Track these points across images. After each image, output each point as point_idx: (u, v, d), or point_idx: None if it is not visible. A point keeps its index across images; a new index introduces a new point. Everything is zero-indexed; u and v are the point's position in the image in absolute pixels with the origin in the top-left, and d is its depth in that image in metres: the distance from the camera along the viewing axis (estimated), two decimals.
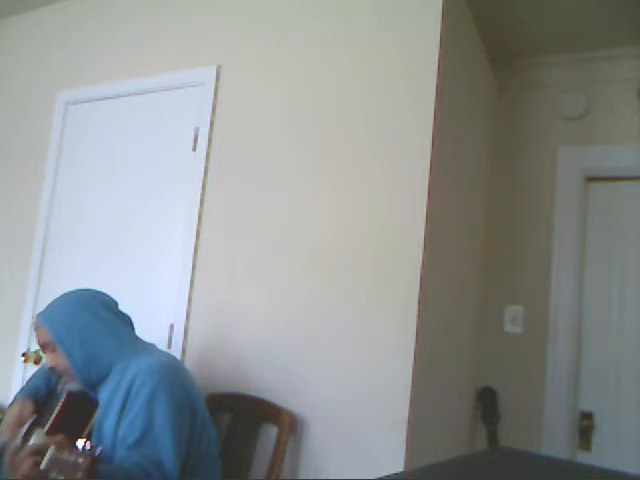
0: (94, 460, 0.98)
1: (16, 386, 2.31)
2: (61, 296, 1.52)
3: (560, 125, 2.43)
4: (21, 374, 2.36)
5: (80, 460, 0.97)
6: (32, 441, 1.13)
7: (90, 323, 1.43)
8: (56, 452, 0.99)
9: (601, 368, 2.24)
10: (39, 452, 1.04)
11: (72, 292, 1.53)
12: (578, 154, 2.38)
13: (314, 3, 1.96)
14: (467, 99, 2.13)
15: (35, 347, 2.34)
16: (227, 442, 1.76)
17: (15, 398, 1.60)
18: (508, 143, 2.53)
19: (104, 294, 1.56)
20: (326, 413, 1.67)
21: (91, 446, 0.99)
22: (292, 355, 1.77)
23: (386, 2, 1.82)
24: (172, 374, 1.40)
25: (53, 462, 0.98)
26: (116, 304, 1.56)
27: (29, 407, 1.53)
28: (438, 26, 1.71)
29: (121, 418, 1.34)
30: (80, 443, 1.00)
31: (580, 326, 2.30)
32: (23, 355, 2.36)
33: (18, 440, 1.37)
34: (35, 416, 1.49)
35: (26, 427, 1.40)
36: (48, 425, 1.40)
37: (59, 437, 1.15)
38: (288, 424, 1.66)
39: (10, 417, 1.51)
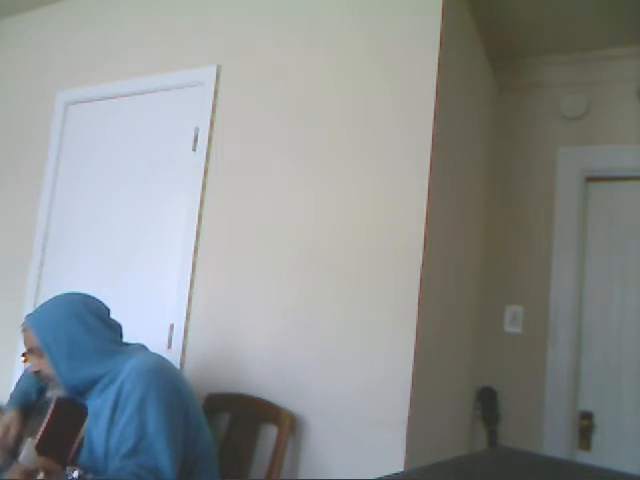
0: None
1: None
2: (51, 300, 1.49)
3: (560, 125, 2.43)
4: (21, 374, 2.35)
5: None
6: (22, 453, 1.11)
7: (78, 333, 1.40)
8: None
9: (601, 368, 2.24)
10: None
11: (63, 297, 1.50)
12: (578, 154, 2.37)
13: (313, 3, 1.96)
14: (467, 99, 2.13)
15: None
16: (227, 442, 1.76)
17: (7, 403, 1.58)
18: (508, 143, 2.53)
19: (96, 300, 1.52)
20: (326, 413, 1.67)
21: (79, 475, 0.96)
22: (292, 355, 1.76)
23: (386, 2, 1.82)
24: (160, 374, 1.37)
25: None
26: (107, 311, 1.52)
27: (14, 429, 1.48)
28: (438, 26, 1.71)
29: (112, 426, 1.31)
30: (69, 470, 0.97)
31: (580, 326, 2.30)
32: (23, 355, 2.35)
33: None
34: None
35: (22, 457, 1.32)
36: (38, 437, 1.36)
37: (46, 461, 1.10)
38: (288, 424, 1.66)
39: None
